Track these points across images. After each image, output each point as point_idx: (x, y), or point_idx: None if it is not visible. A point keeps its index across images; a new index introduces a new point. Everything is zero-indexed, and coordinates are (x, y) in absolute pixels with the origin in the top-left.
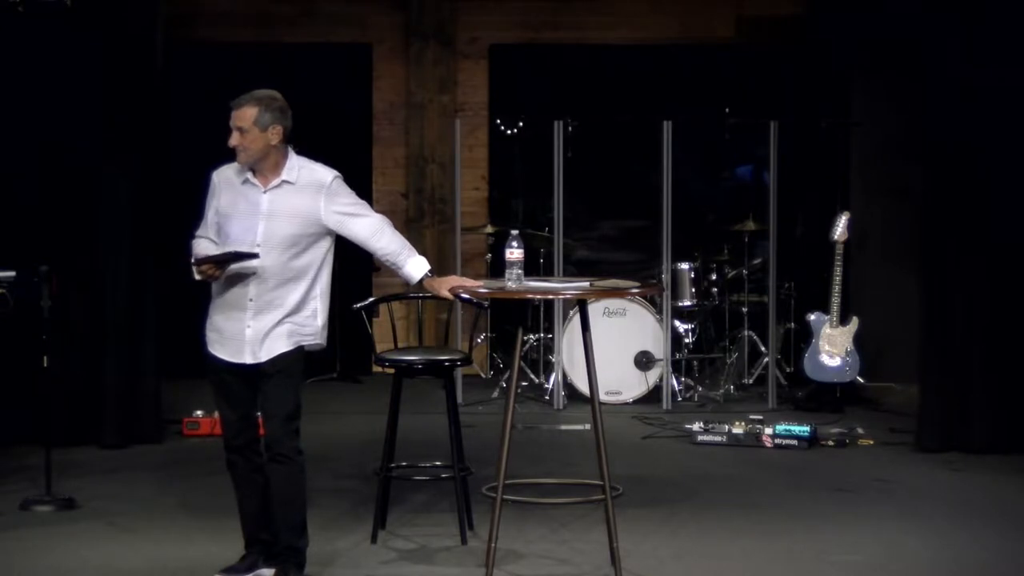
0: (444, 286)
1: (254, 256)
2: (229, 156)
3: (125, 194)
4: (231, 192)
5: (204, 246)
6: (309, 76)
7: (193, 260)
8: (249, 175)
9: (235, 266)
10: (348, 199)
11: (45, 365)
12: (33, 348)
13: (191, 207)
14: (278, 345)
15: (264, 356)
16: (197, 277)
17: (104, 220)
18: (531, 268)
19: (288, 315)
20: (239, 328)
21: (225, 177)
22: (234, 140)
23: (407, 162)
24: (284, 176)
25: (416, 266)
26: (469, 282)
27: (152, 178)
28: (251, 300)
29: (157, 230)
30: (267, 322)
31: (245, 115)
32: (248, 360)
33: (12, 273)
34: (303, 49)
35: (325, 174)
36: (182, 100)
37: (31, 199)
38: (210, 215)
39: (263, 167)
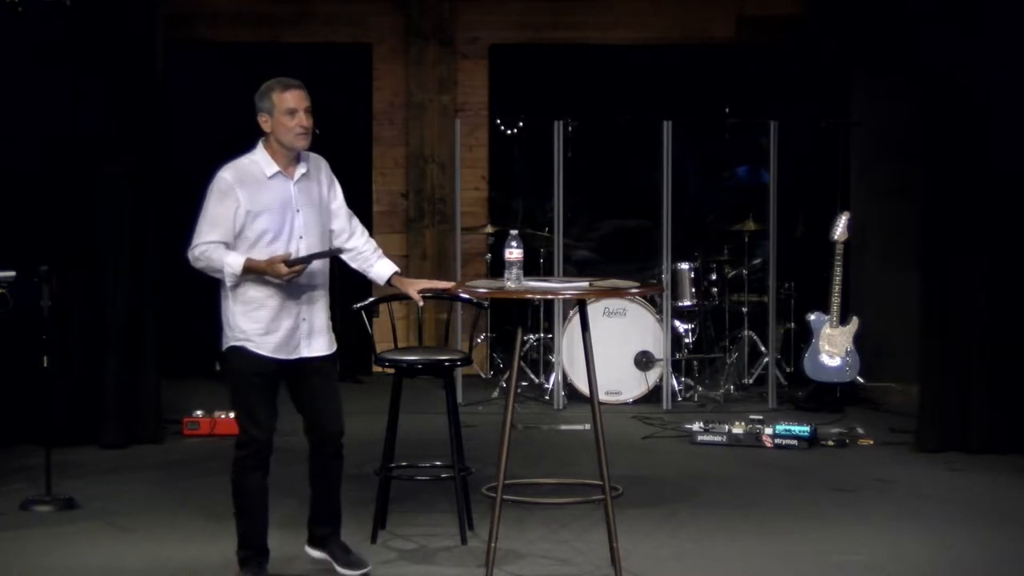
0: (414, 287)
1: (340, 252)
2: (228, 156)
3: (125, 194)
4: (255, 188)
5: (222, 253)
6: (309, 76)
7: (288, 260)
8: (278, 168)
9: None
10: (338, 187)
11: (45, 365)
12: (33, 348)
13: (191, 207)
14: (328, 340)
15: (318, 350)
16: (282, 280)
17: (104, 220)
18: (531, 268)
19: (328, 308)
20: (293, 324)
21: (245, 174)
22: (308, 122)
23: (407, 162)
24: (301, 168)
25: (385, 266)
26: (440, 284)
27: (152, 178)
28: (304, 295)
29: (157, 230)
30: (319, 315)
31: (307, 98)
32: (304, 353)
33: (12, 273)
34: (303, 49)
35: (319, 156)
36: (182, 100)
37: (31, 199)
38: (228, 216)
39: (292, 158)
